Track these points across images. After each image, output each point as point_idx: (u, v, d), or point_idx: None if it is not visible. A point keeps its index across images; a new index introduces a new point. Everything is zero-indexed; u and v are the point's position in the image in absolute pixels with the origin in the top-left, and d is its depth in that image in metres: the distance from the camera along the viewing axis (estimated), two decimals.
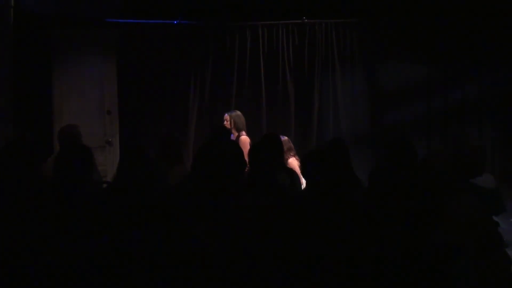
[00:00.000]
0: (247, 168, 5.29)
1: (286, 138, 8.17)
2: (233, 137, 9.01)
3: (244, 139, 8.81)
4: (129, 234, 3.97)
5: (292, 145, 8.49)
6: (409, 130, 10.78)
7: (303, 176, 5.10)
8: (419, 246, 4.04)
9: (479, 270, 4.25)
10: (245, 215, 4.12)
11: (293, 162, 8.02)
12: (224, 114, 9.87)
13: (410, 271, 3.95)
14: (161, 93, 10.85)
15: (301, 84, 11.16)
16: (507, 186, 9.93)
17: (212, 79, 11.01)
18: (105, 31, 10.18)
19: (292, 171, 6.49)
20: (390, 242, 4.04)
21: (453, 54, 11.10)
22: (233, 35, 11.02)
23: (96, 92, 10.06)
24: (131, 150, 4.98)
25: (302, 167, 4.95)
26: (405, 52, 11.19)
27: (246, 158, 5.18)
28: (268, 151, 5.33)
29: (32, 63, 9.67)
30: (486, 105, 11.18)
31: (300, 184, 6.38)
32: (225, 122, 9.10)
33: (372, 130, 11.21)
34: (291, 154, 8.17)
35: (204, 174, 4.34)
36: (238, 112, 9.19)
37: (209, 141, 7.50)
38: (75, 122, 8.38)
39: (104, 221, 4.07)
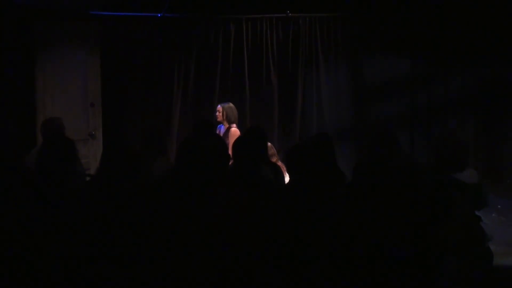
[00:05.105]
0: (231, 161, 5.29)
1: (269, 144, 7.94)
2: (223, 128, 9.03)
3: (234, 131, 8.83)
4: (112, 226, 3.97)
5: (275, 151, 8.43)
6: (392, 125, 10.81)
7: (287, 170, 5.10)
8: (401, 239, 4.07)
9: (461, 264, 4.28)
10: (229, 208, 4.12)
11: None
12: (207, 107, 9.93)
13: (392, 264, 3.97)
14: (145, 85, 10.82)
15: (284, 78, 11.17)
16: (490, 181, 10.02)
17: (196, 71, 10.99)
18: (89, 24, 10.12)
19: (276, 166, 6.47)
20: (373, 236, 4.06)
21: (437, 49, 11.13)
22: (217, 28, 11.00)
23: (80, 85, 10.01)
24: (114, 142, 4.98)
25: (286, 160, 4.94)
26: (389, 47, 11.21)
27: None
28: (251, 145, 5.32)
29: (14, 55, 9.60)
30: (470, 100, 11.24)
31: (284, 179, 6.38)
32: (217, 113, 9.11)
33: (355, 124, 11.24)
34: (275, 159, 8.09)
35: (187, 167, 4.34)
36: (231, 104, 9.20)
37: (193, 134, 7.50)
38: (58, 114, 8.36)
39: (87, 214, 4.07)
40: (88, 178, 5.67)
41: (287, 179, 6.03)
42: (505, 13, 10.65)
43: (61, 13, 9.91)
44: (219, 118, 9.08)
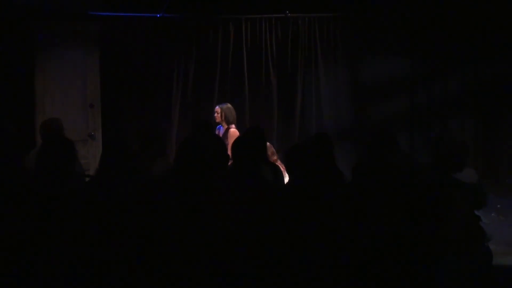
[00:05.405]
0: (230, 161, 5.29)
1: (268, 143, 7.92)
2: (222, 129, 9.03)
3: (233, 132, 8.82)
4: (112, 226, 3.97)
5: (274, 150, 8.43)
6: (392, 124, 10.79)
7: (287, 170, 5.10)
8: (400, 239, 4.06)
9: (461, 264, 4.28)
10: (228, 208, 4.12)
11: None
12: (206, 107, 9.89)
13: (390, 264, 3.97)
14: (144, 86, 10.80)
15: (284, 78, 11.16)
16: (490, 181, 10.02)
17: (195, 72, 10.97)
18: (88, 24, 10.11)
19: (275, 166, 6.47)
20: (371, 236, 4.06)
21: (436, 48, 11.13)
22: (216, 28, 10.99)
23: (79, 85, 10.00)
24: (114, 143, 4.97)
25: (285, 160, 4.94)
26: (388, 47, 11.21)
27: None
28: (250, 145, 5.32)
29: (14, 56, 9.60)
30: (470, 100, 11.25)
31: (283, 179, 6.38)
32: (215, 115, 9.10)
33: (355, 124, 11.24)
34: (274, 158, 8.09)
35: (187, 168, 4.33)
36: (229, 105, 9.19)
37: (192, 135, 7.49)
38: (58, 115, 8.35)
39: (86, 214, 4.06)
40: (87, 179, 5.66)
41: (287, 179, 6.03)
42: (505, 13, 10.63)
43: (61, 14, 9.90)
44: (218, 120, 9.07)
